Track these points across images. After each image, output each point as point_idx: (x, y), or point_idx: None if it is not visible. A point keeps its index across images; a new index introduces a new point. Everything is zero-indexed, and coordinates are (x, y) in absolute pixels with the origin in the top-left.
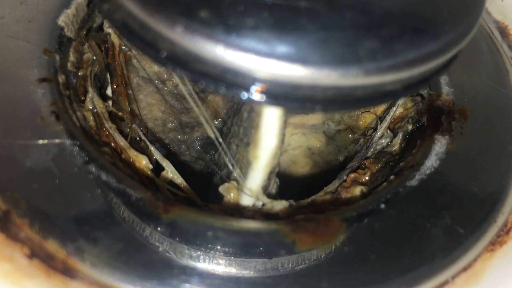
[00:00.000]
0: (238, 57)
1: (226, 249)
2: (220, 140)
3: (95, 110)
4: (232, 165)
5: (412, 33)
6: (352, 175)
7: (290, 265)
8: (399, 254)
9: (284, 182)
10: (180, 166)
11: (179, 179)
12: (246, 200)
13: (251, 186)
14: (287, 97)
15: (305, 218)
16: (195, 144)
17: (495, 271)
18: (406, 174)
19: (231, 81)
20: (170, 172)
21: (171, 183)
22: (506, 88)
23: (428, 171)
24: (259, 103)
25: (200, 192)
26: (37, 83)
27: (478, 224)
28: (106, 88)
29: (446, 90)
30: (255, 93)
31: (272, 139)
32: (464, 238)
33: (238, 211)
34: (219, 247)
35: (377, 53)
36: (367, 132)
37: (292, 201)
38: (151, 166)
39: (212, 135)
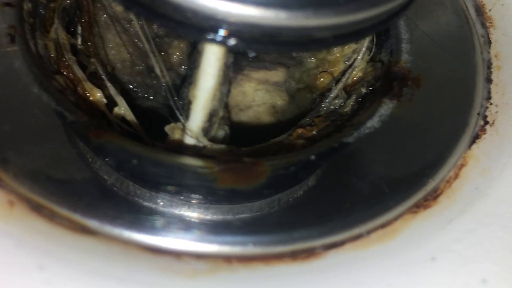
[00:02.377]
0: None
1: (155, 180)
2: (167, 79)
3: (58, 41)
4: (176, 105)
5: None
6: (299, 130)
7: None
8: (319, 204)
9: (248, 138)
10: (147, 111)
11: (130, 116)
12: (189, 141)
13: (191, 126)
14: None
15: (233, 159)
16: (161, 89)
17: (413, 231)
18: (345, 131)
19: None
20: (123, 108)
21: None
22: (469, 64)
23: (367, 131)
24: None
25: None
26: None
27: (406, 186)
28: (77, 24)
29: (405, 57)
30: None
31: (209, 79)
32: (388, 197)
33: (179, 150)
34: (141, 173)
35: None
36: (325, 92)
37: (234, 147)
38: (105, 100)
39: (159, 73)
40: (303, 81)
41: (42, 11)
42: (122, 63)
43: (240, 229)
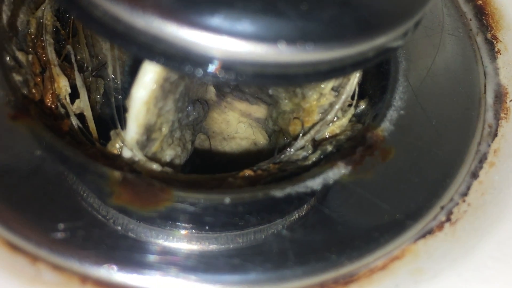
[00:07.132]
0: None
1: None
2: (118, 83)
3: (41, 21)
4: (117, 111)
5: None
6: (247, 172)
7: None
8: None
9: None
10: None
11: (87, 112)
12: (125, 151)
13: (127, 136)
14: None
15: (143, 179)
16: None
17: None
18: (281, 185)
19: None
20: (82, 102)
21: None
22: (457, 152)
23: (301, 190)
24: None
25: None
26: None
27: (316, 261)
28: None
29: (385, 126)
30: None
31: (139, 89)
32: (290, 267)
33: (113, 157)
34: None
35: None
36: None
37: (172, 170)
38: (69, 90)
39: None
40: (278, 124)
41: None
42: (116, 60)
43: (111, 251)
